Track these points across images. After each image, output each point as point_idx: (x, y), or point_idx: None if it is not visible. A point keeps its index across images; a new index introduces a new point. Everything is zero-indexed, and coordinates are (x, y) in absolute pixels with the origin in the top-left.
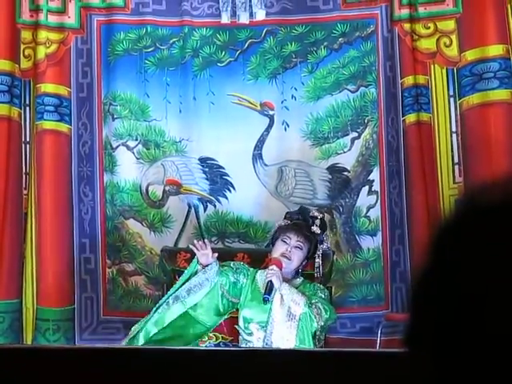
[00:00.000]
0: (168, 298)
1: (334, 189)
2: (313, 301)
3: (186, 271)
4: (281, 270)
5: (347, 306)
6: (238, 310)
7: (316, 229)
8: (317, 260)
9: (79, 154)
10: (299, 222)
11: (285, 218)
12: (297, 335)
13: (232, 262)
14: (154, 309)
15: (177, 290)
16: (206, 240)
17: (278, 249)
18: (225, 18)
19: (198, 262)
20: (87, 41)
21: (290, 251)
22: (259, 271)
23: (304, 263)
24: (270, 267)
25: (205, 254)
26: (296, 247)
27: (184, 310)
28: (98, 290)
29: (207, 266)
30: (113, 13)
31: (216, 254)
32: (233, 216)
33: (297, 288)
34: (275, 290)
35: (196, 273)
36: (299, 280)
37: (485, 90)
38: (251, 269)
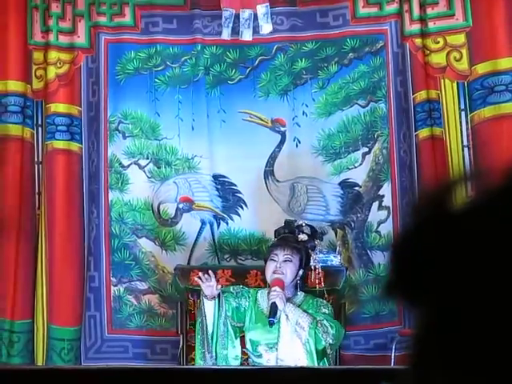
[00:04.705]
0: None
1: (345, 204)
2: (318, 318)
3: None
4: (283, 289)
5: (360, 323)
6: (243, 332)
7: (303, 236)
8: (315, 267)
9: (90, 172)
10: (284, 235)
11: (275, 236)
12: (306, 355)
13: (231, 287)
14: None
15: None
16: (210, 271)
17: (269, 268)
18: (225, 35)
19: (203, 294)
20: (96, 60)
21: (280, 267)
22: (259, 291)
23: (300, 273)
24: (273, 288)
25: (210, 285)
26: (285, 261)
27: None
28: (102, 309)
29: (213, 297)
30: (122, 32)
31: (220, 286)
32: (245, 233)
33: (299, 306)
34: (280, 311)
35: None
36: (300, 296)
37: (496, 103)
38: (251, 290)
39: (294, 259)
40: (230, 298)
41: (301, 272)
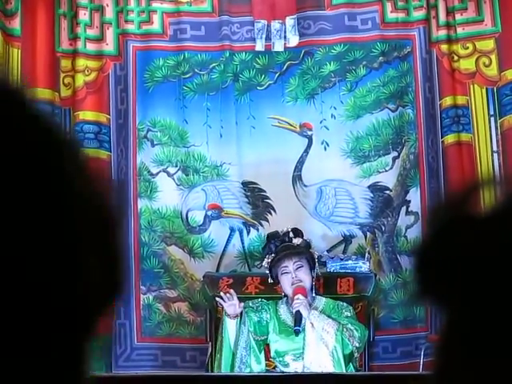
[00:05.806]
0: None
1: (375, 207)
2: (342, 323)
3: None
4: (306, 297)
5: (390, 328)
6: (268, 344)
7: (296, 240)
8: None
9: (119, 180)
10: (281, 246)
11: (265, 254)
12: (333, 362)
13: (250, 302)
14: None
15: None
16: (231, 290)
17: (285, 282)
18: (259, 46)
19: (225, 313)
20: (124, 67)
21: (296, 276)
22: (279, 302)
23: (314, 275)
24: (296, 297)
25: (232, 304)
26: (298, 268)
27: None
28: (131, 317)
29: (235, 316)
30: (151, 39)
31: (242, 304)
32: None
33: (321, 311)
34: (305, 319)
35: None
36: (321, 301)
37: None
38: (270, 302)
39: (304, 263)
40: (250, 312)
41: (314, 273)
